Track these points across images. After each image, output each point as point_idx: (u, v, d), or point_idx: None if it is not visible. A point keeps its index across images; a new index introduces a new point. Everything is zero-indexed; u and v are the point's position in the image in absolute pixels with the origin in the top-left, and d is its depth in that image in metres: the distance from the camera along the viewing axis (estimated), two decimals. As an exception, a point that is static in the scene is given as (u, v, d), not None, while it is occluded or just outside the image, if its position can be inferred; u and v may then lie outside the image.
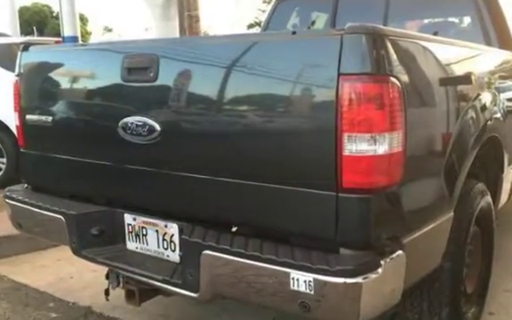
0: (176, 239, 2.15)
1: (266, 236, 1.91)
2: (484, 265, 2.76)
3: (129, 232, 2.32)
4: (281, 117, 1.87)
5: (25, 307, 3.22)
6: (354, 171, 1.71)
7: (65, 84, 2.60)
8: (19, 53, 2.74)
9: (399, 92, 1.75)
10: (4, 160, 6.02)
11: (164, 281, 2.09)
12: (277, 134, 1.87)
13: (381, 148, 1.70)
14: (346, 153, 1.70)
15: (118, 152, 2.31)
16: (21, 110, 2.71)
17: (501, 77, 2.98)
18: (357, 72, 1.69)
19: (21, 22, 17.44)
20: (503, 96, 2.85)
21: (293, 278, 1.71)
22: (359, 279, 1.65)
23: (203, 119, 2.08)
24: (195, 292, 1.98)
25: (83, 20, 32.27)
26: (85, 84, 2.50)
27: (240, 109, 1.99)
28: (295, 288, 1.70)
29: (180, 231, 2.11)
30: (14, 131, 2.98)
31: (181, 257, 2.12)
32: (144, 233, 2.27)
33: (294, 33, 2.02)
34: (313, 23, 4.47)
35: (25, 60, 2.71)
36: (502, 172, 2.88)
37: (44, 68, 2.67)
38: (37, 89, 2.68)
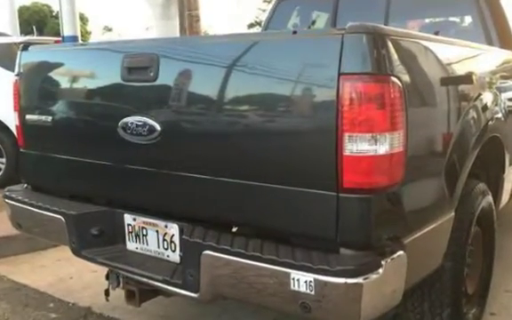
0: (176, 239, 2.15)
1: (266, 237, 1.90)
2: (485, 265, 2.76)
3: (129, 232, 2.31)
4: (281, 117, 1.87)
5: (24, 307, 3.21)
6: (354, 171, 1.70)
7: (65, 83, 2.59)
8: (18, 53, 2.73)
9: (400, 91, 1.74)
10: (4, 160, 6.02)
11: (164, 281, 2.08)
12: (278, 134, 1.87)
13: (382, 148, 1.70)
14: (346, 153, 1.70)
15: (118, 152, 2.30)
16: (21, 110, 2.70)
17: (503, 77, 2.97)
18: (358, 72, 1.68)
19: (21, 22, 17.42)
20: (504, 96, 2.85)
21: (294, 278, 1.70)
22: (360, 279, 1.64)
23: (203, 119, 2.07)
24: (195, 292, 1.98)
25: (82, 19, 32.27)
26: (85, 84, 2.50)
27: (240, 109, 1.99)
28: (296, 288, 1.70)
29: (181, 231, 2.10)
30: (14, 130, 2.97)
31: (181, 257, 2.11)
32: (144, 233, 2.26)
33: (295, 32, 2.01)
34: (313, 23, 4.47)
35: (24, 59, 2.71)
36: (503, 172, 2.88)
37: (44, 68, 2.66)
38: (37, 89, 2.68)
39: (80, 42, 8.40)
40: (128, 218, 2.31)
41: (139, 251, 2.29)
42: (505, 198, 3.05)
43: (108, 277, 2.52)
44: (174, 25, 9.51)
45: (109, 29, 42.28)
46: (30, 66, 2.72)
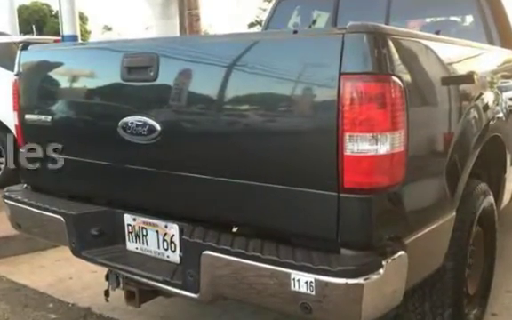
0: (176, 240, 2.14)
1: (266, 237, 1.90)
2: (486, 265, 2.75)
3: (129, 232, 2.31)
4: (282, 117, 1.86)
5: (24, 307, 3.20)
6: (355, 171, 1.70)
7: (64, 83, 2.59)
8: (18, 52, 2.72)
9: (401, 91, 1.74)
10: (3, 160, 6.01)
11: (164, 282, 2.08)
12: (278, 134, 1.86)
13: (383, 148, 1.69)
14: (347, 153, 1.69)
15: (118, 152, 2.29)
16: (20, 110, 2.69)
17: (504, 76, 2.97)
18: (359, 71, 1.67)
19: (20, 21, 17.41)
20: (506, 95, 2.84)
21: (294, 279, 1.69)
22: (361, 280, 1.64)
23: (203, 119, 2.07)
24: (195, 292, 1.97)
25: (82, 18, 32.30)
26: (85, 84, 2.49)
27: (240, 109, 1.98)
28: (296, 289, 1.69)
29: (181, 231, 2.10)
30: (13, 130, 2.96)
31: (182, 257, 2.11)
32: (144, 233, 2.26)
33: (295, 32, 2.00)
34: (314, 22, 4.46)
35: (24, 59, 2.70)
36: (505, 172, 2.87)
37: (44, 68, 2.66)
38: (36, 88, 2.67)
39: (80, 41, 8.39)
40: (128, 218, 2.30)
41: (139, 251, 2.29)
42: (506, 198, 3.04)
43: (107, 278, 2.51)
44: (174, 24, 9.50)
45: (109, 29, 42.35)
46: (30, 65, 2.71)
